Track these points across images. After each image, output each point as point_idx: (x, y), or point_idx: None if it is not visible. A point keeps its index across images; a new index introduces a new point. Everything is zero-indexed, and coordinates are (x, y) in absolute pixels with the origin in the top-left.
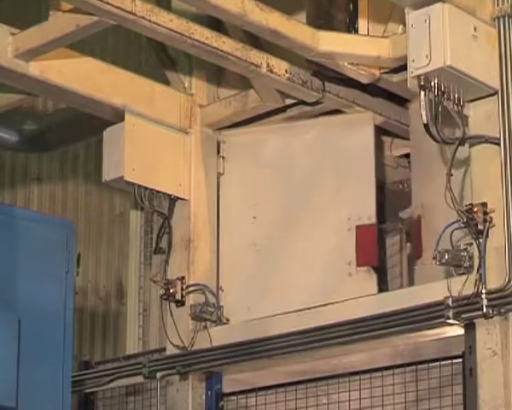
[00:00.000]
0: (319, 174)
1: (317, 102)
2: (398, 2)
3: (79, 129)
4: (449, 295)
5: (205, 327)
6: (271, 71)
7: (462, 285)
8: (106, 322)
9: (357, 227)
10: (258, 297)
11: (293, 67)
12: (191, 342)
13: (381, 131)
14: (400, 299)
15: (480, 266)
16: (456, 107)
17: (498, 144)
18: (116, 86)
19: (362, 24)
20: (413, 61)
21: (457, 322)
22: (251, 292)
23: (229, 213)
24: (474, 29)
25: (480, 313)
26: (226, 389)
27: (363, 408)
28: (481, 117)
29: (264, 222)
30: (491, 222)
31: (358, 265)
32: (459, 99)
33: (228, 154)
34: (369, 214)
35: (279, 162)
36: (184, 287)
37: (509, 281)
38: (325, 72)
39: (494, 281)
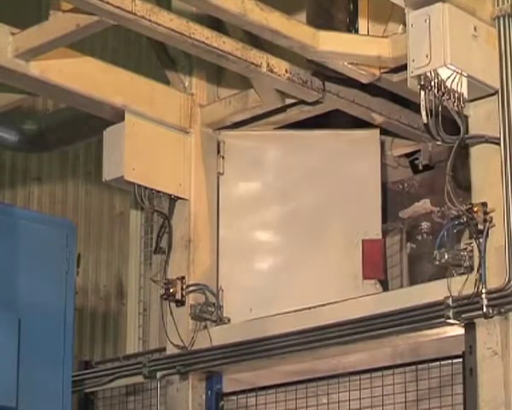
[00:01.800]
0: (323, 184)
1: (317, 102)
2: (398, 2)
3: (79, 129)
4: (449, 294)
5: (205, 327)
6: (271, 71)
7: (462, 285)
8: (106, 322)
9: (364, 241)
10: (258, 298)
11: (294, 67)
12: (191, 342)
13: (381, 131)
14: (400, 299)
15: (480, 265)
16: (456, 107)
17: (498, 144)
18: (116, 86)
19: (362, 24)
20: (413, 60)
21: (457, 322)
22: (251, 292)
23: (229, 213)
24: (474, 29)
25: (480, 312)
26: (226, 389)
27: (363, 408)
28: (481, 117)
29: (265, 223)
30: (491, 222)
31: (365, 277)
32: (459, 99)
33: (228, 154)
34: (375, 230)
35: (280, 167)
36: (184, 287)
37: (509, 281)
38: (325, 72)
39: (494, 281)
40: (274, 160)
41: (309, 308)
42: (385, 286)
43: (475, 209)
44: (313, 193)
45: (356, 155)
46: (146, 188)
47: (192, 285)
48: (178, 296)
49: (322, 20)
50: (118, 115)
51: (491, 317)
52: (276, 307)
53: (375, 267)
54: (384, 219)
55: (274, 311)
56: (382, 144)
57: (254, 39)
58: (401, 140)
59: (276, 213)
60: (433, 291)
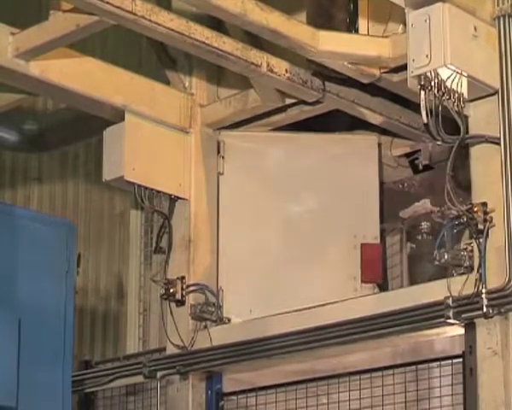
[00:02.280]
0: (322, 186)
1: (317, 102)
2: (398, 2)
3: (79, 129)
4: (449, 294)
5: (205, 327)
6: (271, 71)
7: (462, 285)
8: (106, 322)
9: (363, 245)
10: (258, 298)
11: (294, 67)
12: (191, 342)
13: (381, 131)
14: (400, 299)
15: (480, 265)
16: (456, 107)
17: (498, 144)
18: (116, 86)
19: (362, 24)
20: (413, 60)
21: (457, 322)
22: (251, 292)
23: (229, 213)
24: (474, 29)
25: (480, 312)
26: (226, 388)
27: (363, 408)
28: (481, 117)
29: (265, 224)
30: (491, 222)
31: (363, 281)
32: (459, 99)
33: (228, 154)
34: (373, 234)
35: (280, 168)
36: (184, 287)
37: (509, 281)
38: (325, 71)
39: (494, 281)
40: (274, 160)
41: (309, 308)
42: (384, 287)
43: (475, 209)
44: (312, 194)
45: (355, 159)
46: (146, 188)
47: (192, 285)
48: (178, 296)
49: (322, 20)
50: (118, 115)
51: (491, 317)
52: (276, 307)
53: (374, 271)
54: (384, 219)
55: (274, 311)
56: (381, 144)
57: (254, 39)
58: (401, 140)
59: (275, 214)
60: (433, 291)
